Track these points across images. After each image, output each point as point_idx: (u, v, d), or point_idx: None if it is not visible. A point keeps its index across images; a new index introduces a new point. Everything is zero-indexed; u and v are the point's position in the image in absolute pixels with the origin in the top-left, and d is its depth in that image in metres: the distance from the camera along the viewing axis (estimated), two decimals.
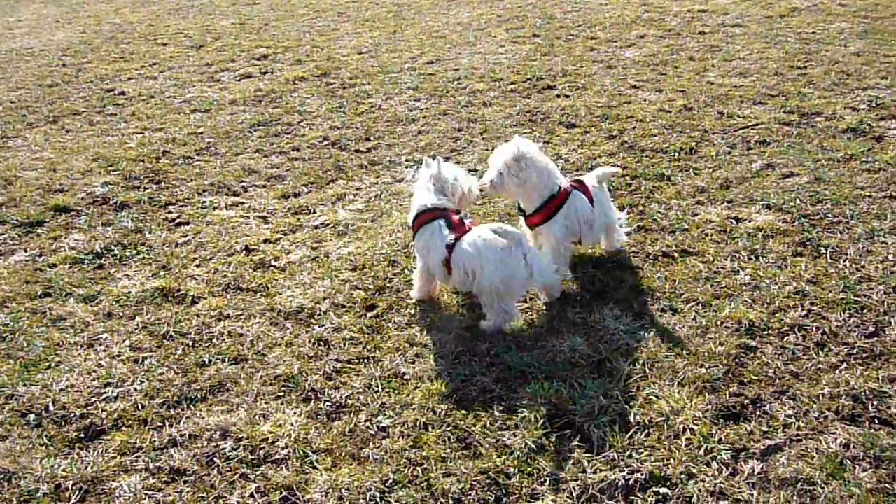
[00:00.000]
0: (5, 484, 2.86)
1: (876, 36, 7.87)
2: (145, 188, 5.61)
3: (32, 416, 3.23)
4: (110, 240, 4.82)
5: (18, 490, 2.82)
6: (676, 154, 5.45)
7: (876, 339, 3.37)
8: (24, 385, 3.43)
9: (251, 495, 2.74)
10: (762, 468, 2.73)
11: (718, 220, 4.46)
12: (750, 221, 4.42)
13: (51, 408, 3.27)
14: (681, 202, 4.74)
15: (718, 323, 3.53)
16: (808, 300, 3.66)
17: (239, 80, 8.32)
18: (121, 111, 7.57)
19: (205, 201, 5.34)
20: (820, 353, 3.31)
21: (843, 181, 4.81)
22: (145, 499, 2.75)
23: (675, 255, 4.15)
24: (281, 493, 2.74)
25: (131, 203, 5.36)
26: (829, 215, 4.42)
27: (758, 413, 3.00)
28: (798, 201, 4.60)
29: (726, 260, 4.05)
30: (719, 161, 5.29)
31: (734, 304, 3.66)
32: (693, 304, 3.70)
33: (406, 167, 5.68)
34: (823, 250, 4.07)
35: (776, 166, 5.12)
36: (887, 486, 2.61)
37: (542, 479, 2.73)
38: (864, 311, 3.56)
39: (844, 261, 3.97)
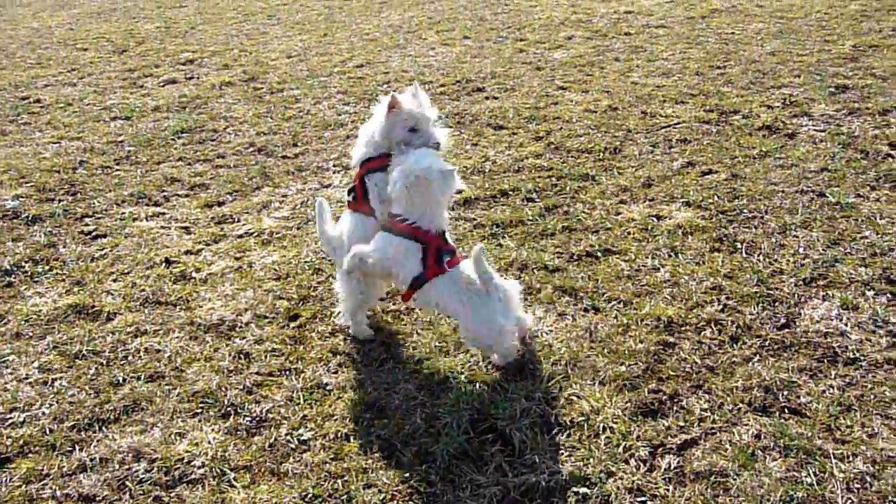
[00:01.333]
0: None
1: (790, 36, 8.19)
2: (60, 200, 5.38)
3: None
4: (21, 255, 4.60)
5: None
6: (601, 154, 5.54)
7: (787, 330, 3.49)
8: None
9: None
10: (678, 463, 2.79)
11: (640, 219, 4.55)
12: (670, 219, 4.53)
13: None
14: (605, 201, 4.81)
15: (639, 320, 3.59)
16: (724, 295, 3.76)
17: (163, 86, 8.08)
18: (36, 120, 7.26)
19: (124, 212, 5.15)
20: (734, 346, 3.40)
21: (758, 177, 4.98)
22: None
23: (599, 254, 4.21)
24: None
25: (44, 216, 5.13)
26: (745, 211, 4.57)
27: (675, 408, 3.07)
28: (716, 198, 4.74)
29: (647, 258, 4.14)
30: (642, 160, 5.40)
31: (654, 301, 3.73)
32: (615, 302, 3.76)
33: (333, 173, 5.61)
34: (739, 245, 4.19)
35: (696, 164, 5.26)
36: (796, 473, 2.70)
37: (464, 486, 2.72)
38: (776, 304, 3.67)
39: (758, 255, 4.10)
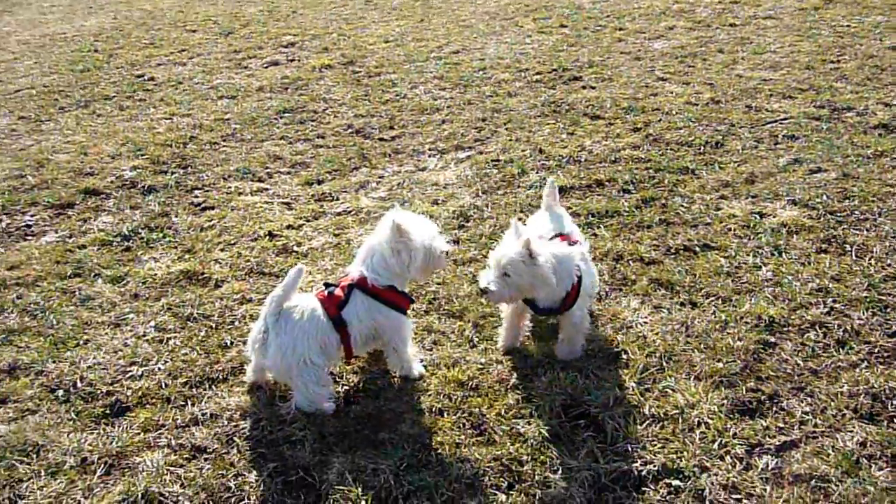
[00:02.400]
0: (34, 456, 2.95)
1: None
2: (172, 173, 5.70)
3: (61, 392, 3.33)
4: (138, 223, 4.92)
5: (46, 462, 2.92)
6: (702, 148, 5.40)
7: None
8: (54, 362, 3.53)
9: (269, 474, 2.81)
10: (776, 464, 2.72)
11: (742, 215, 4.42)
12: (774, 217, 4.38)
13: (78, 384, 3.36)
14: (704, 196, 4.70)
15: (738, 318, 3.51)
16: (831, 297, 3.62)
17: (266, 68, 8.39)
18: (150, 97, 7.68)
19: (230, 186, 5.41)
20: (840, 351, 3.28)
21: (871, 178, 4.74)
22: (167, 474, 2.83)
23: (697, 249, 4.12)
24: (298, 472, 2.80)
25: (158, 187, 5.46)
26: (856, 212, 4.36)
27: (774, 409, 2.99)
28: (825, 197, 4.54)
29: (748, 255, 4.02)
30: (745, 155, 5.23)
31: (755, 299, 3.64)
32: (713, 298, 3.68)
33: (429, 156, 5.70)
34: (849, 248, 4.02)
35: (803, 161, 5.05)
36: None
37: (555, 468, 2.75)
38: (888, 310, 3.51)
39: (870, 259, 3.92)
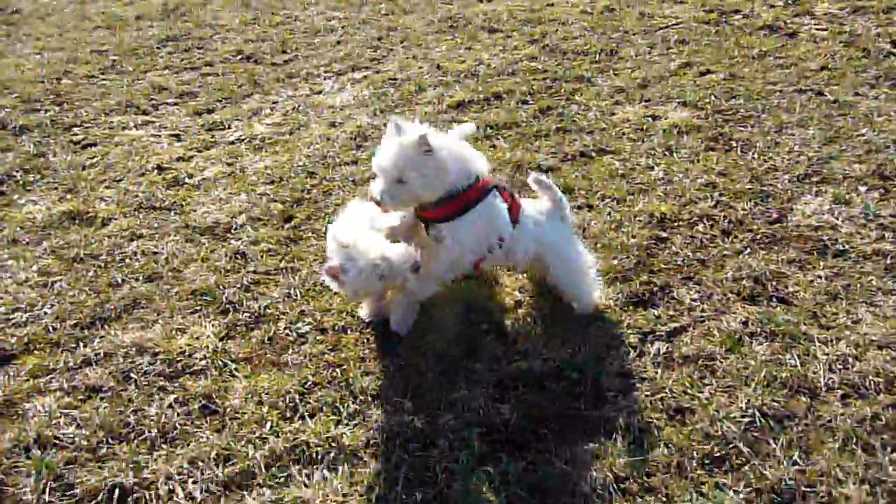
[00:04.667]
0: None
1: None
2: (47, 110, 5.29)
3: None
4: (11, 165, 4.56)
5: None
6: (597, 56, 5.43)
7: (778, 224, 3.52)
8: None
9: (170, 406, 2.74)
10: (667, 349, 2.86)
11: (636, 119, 4.50)
12: (666, 119, 4.48)
13: None
14: (600, 103, 4.75)
15: (632, 217, 3.61)
16: (718, 192, 3.77)
17: None
18: (15, 31, 7.03)
19: (112, 121, 5.08)
20: (726, 240, 3.44)
21: (756, 77, 4.90)
22: (61, 417, 2.71)
23: (593, 154, 4.19)
24: (200, 401, 2.74)
25: (32, 126, 5.06)
26: (742, 110, 4.52)
27: (666, 299, 3.12)
28: (713, 98, 4.68)
29: (641, 157, 4.12)
30: (639, 61, 5.29)
31: (647, 198, 3.74)
32: (608, 200, 3.77)
33: (325, 79, 5.50)
34: (735, 144, 4.17)
35: (694, 65, 5.17)
36: (780, 356, 2.77)
37: (458, 373, 2.80)
38: (770, 200, 3.69)
39: (754, 153, 4.08)
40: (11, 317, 3.27)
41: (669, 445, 2.45)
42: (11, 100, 5.46)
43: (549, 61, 5.39)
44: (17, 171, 4.49)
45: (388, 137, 2.72)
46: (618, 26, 5.89)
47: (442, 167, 2.69)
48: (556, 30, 5.92)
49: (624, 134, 4.36)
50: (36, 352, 3.07)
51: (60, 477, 2.48)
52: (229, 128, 4.89)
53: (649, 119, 4.49)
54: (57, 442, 2.62)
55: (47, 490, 2.44)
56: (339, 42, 6.10)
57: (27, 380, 2.92)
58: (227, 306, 3.23)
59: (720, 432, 2.48)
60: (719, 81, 4.89)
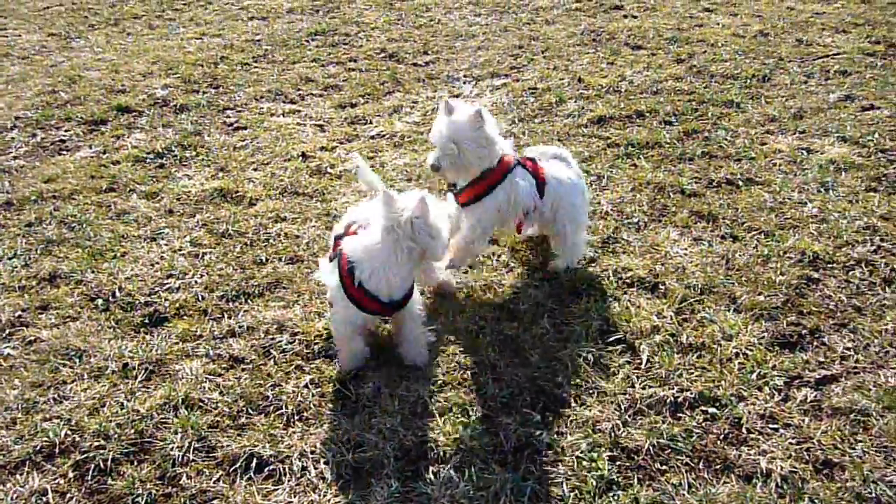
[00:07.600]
0: (77, 360, 3.01)
1: None
2: (204, 92, 5.64)
3: (100, 301, 3.37)
4: (171, 140, 4.89)
5: (89, 366, 2.97)
6: (748, 81, 5.21)
7: None
8: (92, 272, 3.56)
9: (306, 385, 2.84)
10: (816, 396, 2.70)
11: (788, 151, 4.28)
12: (822, 153, 4.23)
13: (117, 294, 3.40)
14: (749, 130, 4.55)
15: (781, 253, 3.43)
16: (878, 236, 3.52)
17: None
18: (179, 16, 7.55)
19: (262, 107, 5.34)
20: (886, 289, 3.20)
21: None
22: (206, 382, 2.87)
23: (740, 183, 4.01)
24: (335, 385, 2.83)
25: (191, 106, 5.41)
26: None
27: (815, 344, 2.95)
28: (876, 135, 4.38)
29: (793, 191, 3.91)
30: (794, 90, 5.03)
31: (799, 235, 3.55)
32: (755, 232, 3.60)
33: (464, 82, 5.57)
34: None
35: (855, 98, 4.86)
36: None
37: (591, 391, 2.75)
38: None
39: None
40: (165, 282, 3.49)
41: (815, 500, 2.30)
42: (174, 80, 5.85)
43: (696, 83, 5.22)
44: (176, 147, 4.80)
45: (442, 114, 3.07)
46: (772, 52, 5.63)
47: (491, 140, 3.06)
48: (705, 51, 5.73)
49: (775, 165, 4.15)
50: (186, 317, 3.26)
51: (203, 438, 2.63)
52: (370, 123, 5.03)
53: (803, 152, 4.26)
54: (202, 405, 2.77)
55: (191, 449, 2.58)
56: (479, 48, 6.17)
57: (177, 342, 3.11)
58: None
59: (874, 494, 2.30)
60: (884, 118, 4.57)
